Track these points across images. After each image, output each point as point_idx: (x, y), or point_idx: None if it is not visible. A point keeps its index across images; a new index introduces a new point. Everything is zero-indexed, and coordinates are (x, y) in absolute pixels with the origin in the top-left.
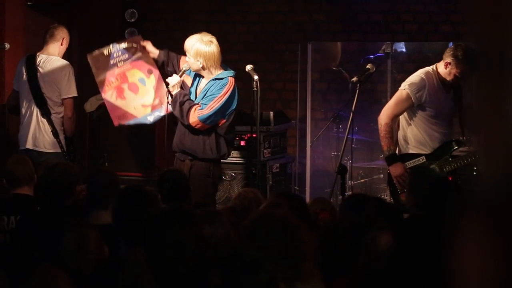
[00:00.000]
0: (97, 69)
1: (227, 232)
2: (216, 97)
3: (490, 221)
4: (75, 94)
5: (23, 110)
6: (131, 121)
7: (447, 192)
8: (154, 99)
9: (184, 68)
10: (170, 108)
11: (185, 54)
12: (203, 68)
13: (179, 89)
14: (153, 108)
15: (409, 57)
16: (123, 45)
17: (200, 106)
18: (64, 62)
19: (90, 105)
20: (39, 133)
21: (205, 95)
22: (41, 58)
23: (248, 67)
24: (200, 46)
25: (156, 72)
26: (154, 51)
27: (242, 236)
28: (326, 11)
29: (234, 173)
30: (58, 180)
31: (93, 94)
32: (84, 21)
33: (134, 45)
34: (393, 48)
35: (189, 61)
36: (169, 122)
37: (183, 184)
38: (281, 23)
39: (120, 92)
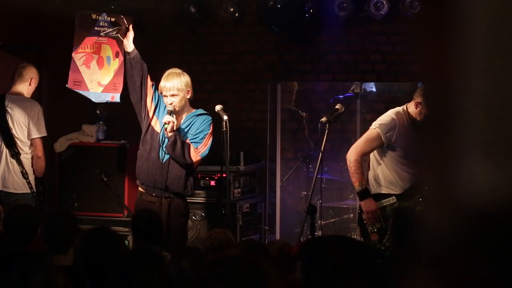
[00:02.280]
0: (79, 28)
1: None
2: (207, 134)
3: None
4: (45, 134)
5: None
6: (82, 91)
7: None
8: (109, 83)
9: (170, 109)
10: (116, 98)
11: (155, 83)
12: (189, 99)
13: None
14: (104, 90)
15: (379, 96)
16: (112, 18)
17: (192, 143)
18: (33, 102)
19: (59, 145)
20: (8, 174)
21: (188, 131)
22: (9, 98)
23: (218, 107)
24: (186, 77)
25: (121, 58)
26: (130, 44)
27: (210, 276)
28: (296, 52)
29: (204, 213)
30: (18, 224)
31: (63, 134)
32: (55, 61)
33: (121, 24)
34: (363, 88)
35: (178, 97)
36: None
37: (158, 225)
38: (251, 63)
39: (88, 60)
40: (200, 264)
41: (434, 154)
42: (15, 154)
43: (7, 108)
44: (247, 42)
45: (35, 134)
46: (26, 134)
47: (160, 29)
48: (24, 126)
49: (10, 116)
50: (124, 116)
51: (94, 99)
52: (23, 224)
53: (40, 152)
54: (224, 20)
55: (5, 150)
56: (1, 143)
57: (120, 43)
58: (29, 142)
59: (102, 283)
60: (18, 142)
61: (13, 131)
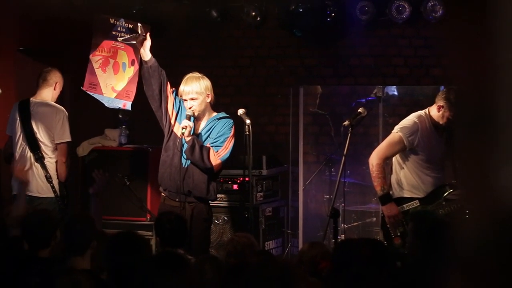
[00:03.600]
0: (97, 31)
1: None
2: (228, 137)
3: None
4: (69, 139)
5: (17, 155)
6: (96, 95)
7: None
8: (123, 89)
9: (189, 114)
10: (128, 106)
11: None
12: (210, 103)
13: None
14: (117, 96)
15: (401, 100)
16: (130, 25)
17: (212, 147)
18: (58, 107)
19: (82, 150)
20: (33, 178)
21: (209, 135)
22: (34, 103)
23: (240, 111)
24: (206, 81)
25: (136, 67)
26: (147, 52)
27: (241, 280)
28: (318, 56)
29: (227, 217)
30: (36, 228)
31: (85, 138)
32: (77, 66)
33: (139, 31)
34: (385, 91)
35: (197, 101)
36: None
37: (182, 228)
38: (272, 67)
39: (105, 63)
40: (221, 270)
41: (470, 158)
42: (39, 158)
43: (32, 113)
44: (268, 46)
45: (60, 139)
46: (51, 139)
47: (182, 33)
48: (49, 131)
49: (35, 121)
50: (146, 121)
51: (107, 104)
52: (41, 228)
53: (64, 157)
54: (246, 24)
55: (29, 154)
56: (26, 147)
57: (137, 52)
58: (54, 146)
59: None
60: (43, 146)
61: (38, 136)
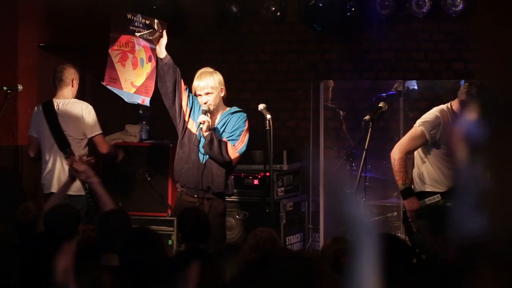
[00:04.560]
0: (115, 25)
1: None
2: (243, 130)
3: (502, 273)
4: (101, 131)
5: (47, 156)
6: (115, 90)
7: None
8: (142, 85)
9: (205, 109)
10: (146, 102)
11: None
12: (223, 97)
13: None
14: (137, 91)
15: (421, 95)
16: (147, 21)
17: (228, 141)
18: (83, 102)
19: None
20: (64, 176)
21: (224, 129)
22: (58, 102)
23: (261, 106)
24: (219, 75)
25: (153, 63)
26: (162, 50)
27: (265, 276)
28: (338, 50)
29: (248, 212)
30: (58, 222)
31: (106, 134)
32: (98, 62)
33: (156, 27)
34: (405, 86)
35: (212, 96)
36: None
37: (205, 223)
38: (293, 62)
39: (124, 58)
40: (242, 262)
41: (499, 152)
42: (69, 156)
43: (58, 112)
44: (288, 41)
45: (93, 133)
46: (81, 135)
47: (202, 28)
48: (79, 127)
49: (63, 119)
50: (167, 116)
51: (127, 99)
52: (63, 223)
53: (104, 148)
54: (265, 19)
55: (59, 154)
56: (55, 147)
57: (154, 49)
58: (85, 143)
59: (147, 284)
60: (73, 143)
61: (67, 133)
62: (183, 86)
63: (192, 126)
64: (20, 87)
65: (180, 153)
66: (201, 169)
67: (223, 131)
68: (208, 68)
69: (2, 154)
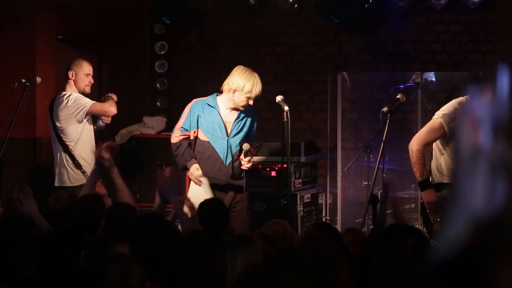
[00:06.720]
0: None
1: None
2: (256, 125)
3: None
4: (92, 102)
5: (53, 150)
6: None
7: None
8: None
9: (246, 150)
10: None
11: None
12: None
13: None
14: None
15: (439, 86)
16: None
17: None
18: (63, 92)
19: (120, 138)
20: (63, 169)
21: (243, 124)
22: (57, 97)
23: (278, 98)
24: None
25: None
26: None
27: (281, 266)
28: (356, 42)
29: (265, 204)
30: (83, 214)
31: (124, 126)
32: (115, 55)
33: None
34: (423, 77)
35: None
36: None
37: (223, 209)
38: (310, 54)
39: None
40: (253, 254)
41: None
42: (66, 148)
43: (54, 107)
44: (306, 33)
45: (85, 109)
46: (68, 123)
47: (220, 20)
48: (63, 116)
49: (55, 113)
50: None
51: None
52: (88, 214)
53: (109, 111)
54: (283, 11)
55: (59, 147)
56: (56, 141)
57: None
58: (74, 133)
59: (154, 271)
60: (63, 136)
61: (58, 125)
62: (193, 134)
63: (202, 136)
64: (38, 79)
65: (199, 156)
66: (224, 170)
67: (243, 125)
68: (254, 72)
69: (20, 146)
